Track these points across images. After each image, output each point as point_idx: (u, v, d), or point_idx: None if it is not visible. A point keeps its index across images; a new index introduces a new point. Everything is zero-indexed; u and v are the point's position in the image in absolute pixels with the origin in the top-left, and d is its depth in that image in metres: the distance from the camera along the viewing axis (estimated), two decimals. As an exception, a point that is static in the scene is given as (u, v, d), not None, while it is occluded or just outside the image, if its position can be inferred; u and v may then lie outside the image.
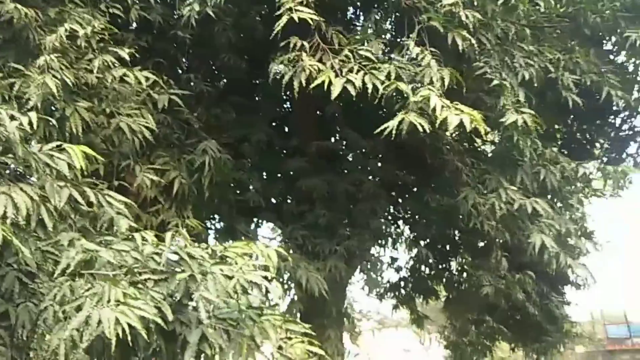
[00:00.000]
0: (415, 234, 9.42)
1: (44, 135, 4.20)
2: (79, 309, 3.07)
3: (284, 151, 8.15)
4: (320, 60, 4.92)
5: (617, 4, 6.16)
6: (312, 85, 4.75)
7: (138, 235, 3.65)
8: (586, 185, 7.37)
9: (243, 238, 7.13)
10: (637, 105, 7.82)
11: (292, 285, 7.12)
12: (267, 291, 3.76)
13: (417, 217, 9.18)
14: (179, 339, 3.35)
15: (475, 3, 5.09)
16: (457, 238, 9.52)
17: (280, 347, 3.51)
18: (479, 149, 8.41)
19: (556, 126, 8.73)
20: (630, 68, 7.49)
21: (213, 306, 3.42)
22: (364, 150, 8.27)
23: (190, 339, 3.32)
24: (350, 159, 8.48)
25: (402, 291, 10.08)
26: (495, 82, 5.47)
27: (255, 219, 8.21)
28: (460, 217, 6.99)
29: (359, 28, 7.52)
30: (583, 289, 10.17)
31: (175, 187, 5.76)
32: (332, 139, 8.62)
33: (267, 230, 9.18)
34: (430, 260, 9.25)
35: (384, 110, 5.10)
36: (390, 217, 9.28)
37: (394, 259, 9.62)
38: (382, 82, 4.74)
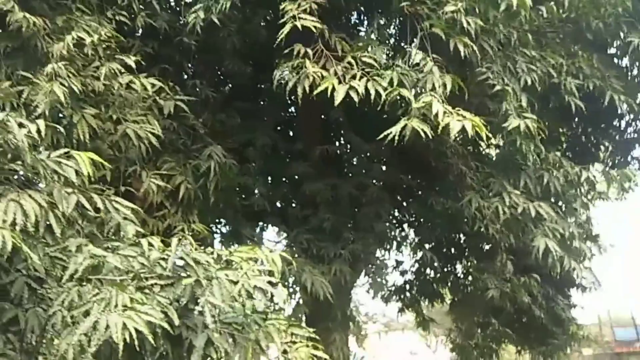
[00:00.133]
0: (420, 237, 9.45)
1: (51, 142, 4.26)
2: (87, 314, 3.12)
3: (289, 155, 8.20)
4: (323, 67, 4.97)
5: (619, 9, 6.18)
6: (315, 92, 4.80)
7: (144, 241, 3.70)
8: (591, 189, 7.38)
9: (248, 242, 7.20)
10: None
11: (298, 288, 7.16)
12: (272, 296, 3.80)
13: (421, 220, 9.19)
14: (185, 343, 3.40)
15: (477, 10, 5.12)
16: (462, 241, 9.53)
17: (285, 351, 3.55)
18: (483, 153, 8.43)
19: (561, 130, 8.74)
20: (635, 72, 7.51)
21: (218, 311, 3.47)
22: (368, 154, 8.31)
23: (196, 343, 3.37)
24: (355, 163, 8.53)
25: (408, 294, 10.09)
26: (498, 87, 5.51)
27: (260, 223, 8.25)
28: (465, 220, 7.01)
29: (362, 33, 7.58)
30: (589, 292, 10.17)
31: (181, 192, 5.83)
32: (337, 143, 8.66)
33: (272, 234, 9.23)
34: (436, 264, 9.27)
35: (388, 114, 5.15)
36: (394, 221, 9.31)
37: (399, 262, 9.65)
38: (385, 89, 4.78)
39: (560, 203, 7.00)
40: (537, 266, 7.90)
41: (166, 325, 3.19)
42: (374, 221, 7.83)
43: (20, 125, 3.64)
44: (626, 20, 6.37)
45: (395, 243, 9.19)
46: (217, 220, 7.75)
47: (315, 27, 4.78)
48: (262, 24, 7.02)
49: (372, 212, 7.81)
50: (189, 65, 7.06)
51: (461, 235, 9.32)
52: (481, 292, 8.71)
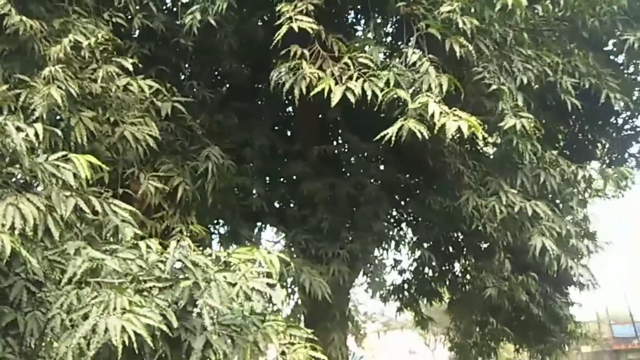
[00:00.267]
0: (418, 236, 9.46)
1: (49, 145, 4.27)
2: (85, 317, 3.13)
3: (286, 155, 8.21)
4: (320, 68, 4.98)
5: (614, 7, 6.20)
6: (312, 93, 4.82)
7: (143, 243, 3.71)
8: (588, 187, 7.40)
9: (247, 242, 7.21)
10: (638, 106, 7.86)
11: (296, 289, 7.18)
12: (270, 297, 3.81)
13: (419, 219, 9.21)
14: (184, 345, 3.41)
15: (473, 9, 5.14)
16: (460, 240, 9.56)
17: (283, 353, 3.56)
18: (480, 151, 8.45)
19: (558, 127, 8.76)
20: (631, 69, 7.53)
21: (217, 313, 3.48)
22: (365, 153, 8.32)
23: (195, 345, 3.38)
24: (352, 163, 8.53)
25: (406, 293, 10.11)
26: (494, 86, 5.53)
27: (258, 224, 8.26)
28: (463, 219, 7.03)
29: (359, 32, 7.59)
30: (587, 290, 10.19)
31: (179, 194, 5.84)
32: (334, 143, 8.67)
33: (270, 234, 9.25)
34: (434, 263, 9.28)
35: (385, 113, 5.17)
36: (392, 220, 9.32)
37: (397, 262, 9.67)
38: (382, 89, 4.80)
39: (557, 201, 7.01)
40: (535, 264, 7.91)
41: (165, 328, 3.20)
42: (372, 220, 7.85)
43: (18, 129, 3.66)
44: (621, 18, 6.40)
45: (393, 242, 9.18)
46: (215, 221, 7.76)
47: (311, 28, 4.79)
48: (259, 23, 7.03)
49: (370, 212, 7.82)
50: (186, 66, 7.06)
51: (459, 234, 9.34)
52: (479, 290, 8.74)
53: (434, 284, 10.10)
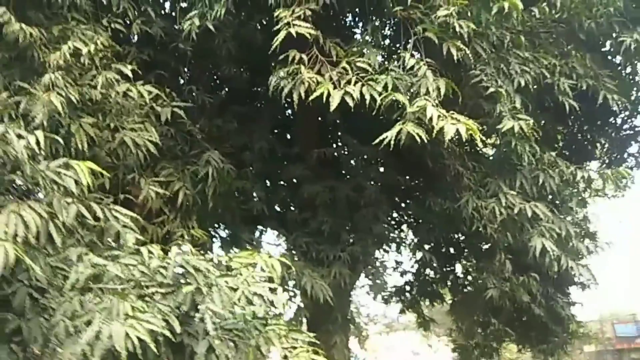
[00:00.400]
0: (419, 238, 9.48)
1: (50, 152, 4.28)
2: (89, 323, 3.14)
3: (286, 159, 8.23)
4: (318, 72, 5.01)
5: (610, 9, 6.22)
6: (311, 98, 4.84)
7: (144, 249, 3.73)
8: (587, 187, 7.42)
9: (247, 246, 7.22)
10: (637, 106, 7.89)
11: (298, 292, 7.19)
12: (272, 301, 3.83)
13: (420, 221, 9.23)
14: (186, 350, 3.43)
15: (470, 13, 5.16)
16: (460, 241, 9.57)
17: (285, 357, 3.58)
18: (479, 152, 8.47)
19: (557, 128, 8.78)
20: (628, 70, 7.56)
21: (219, 317, 3.50)
22: (365, 156, 8.35)
23: (198, 350, 3.40)
24: (352, 165, 8.56)
25: (408, 295, 10.14)
26: (492, 89, 5.55)
27: (259, 227, 8.28)
28: (463, 220, 7.05)
29: (357, 35, 7.61)
30: (589, 289, 10.21)
31: (179, 198, 5.87)
32: (334, 146, 8.69)
33: (271, 237, 9.27)
34: (435, 264, 9.31)
35: (384, 116, 5.19)
36: (393, 222, 9.35)
37: (398, 263, 9.70)
38: (380, 93, 4.83)
39: (556, 202, 7.04)
40: (536, 265, 7.91)
41: (168, 333, 3.21)
42: (373, 223, 7.86)
43: (19, 136, 3.66)
44: (618, 20, 6.42)
45: (394, 244, 9.22)
46: (216, 225, 7.78)
47: (309, 33, 4.82)
48: (257, 28, 7.05)
49: (370, 214, 7.84)
50: (185, 71, 7.09)
51: (460, 236, 9.35)
52: (481, 291, 8.74)
53: (435, 286, 10.12)
